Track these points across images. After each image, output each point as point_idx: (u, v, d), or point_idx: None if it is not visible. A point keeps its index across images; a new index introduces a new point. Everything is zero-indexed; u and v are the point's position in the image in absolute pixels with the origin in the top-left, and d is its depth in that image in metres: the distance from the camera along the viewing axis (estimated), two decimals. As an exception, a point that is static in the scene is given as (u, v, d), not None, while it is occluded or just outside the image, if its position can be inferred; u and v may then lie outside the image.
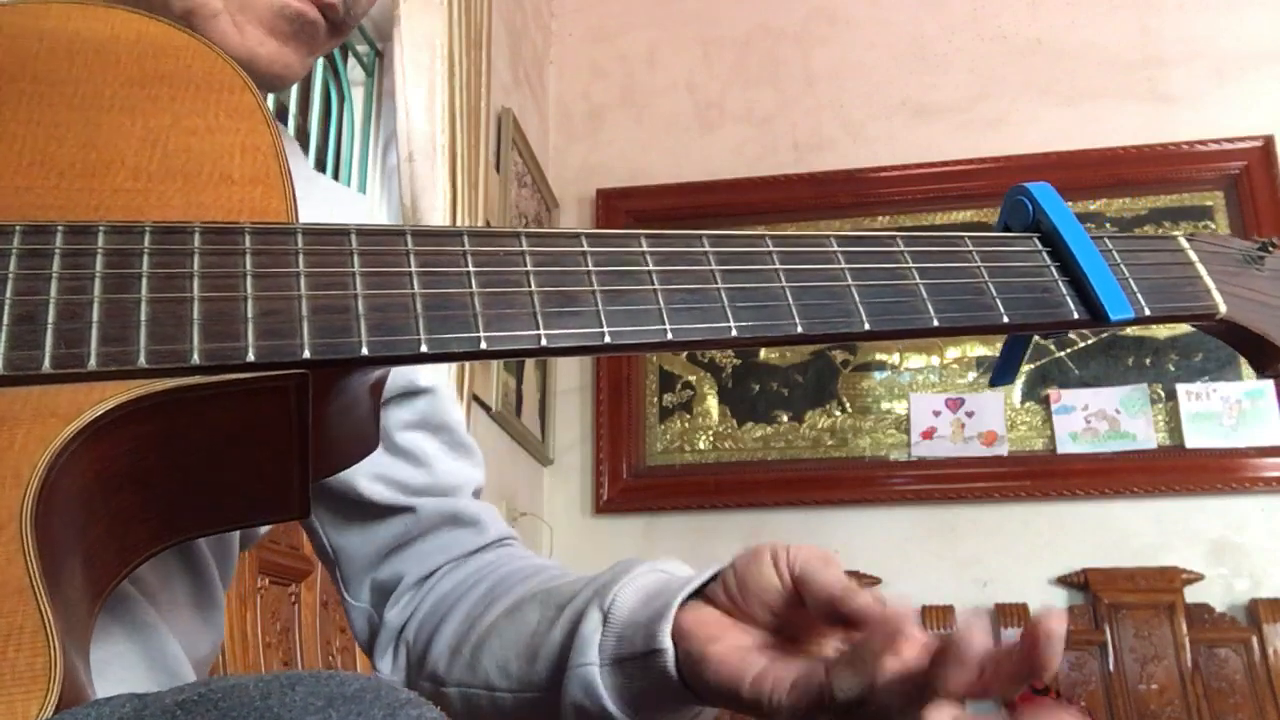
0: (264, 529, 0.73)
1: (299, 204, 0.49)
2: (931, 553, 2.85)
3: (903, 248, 0.53)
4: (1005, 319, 0.53)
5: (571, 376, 3.13)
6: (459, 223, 2.14)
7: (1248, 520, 2.75)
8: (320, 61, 2.20)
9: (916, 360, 3.03)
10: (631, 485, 3.01)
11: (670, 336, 0.47)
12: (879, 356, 3.05)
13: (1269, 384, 2.81)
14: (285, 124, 2.04)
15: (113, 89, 0.50)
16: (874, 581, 2.81)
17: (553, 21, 3.45)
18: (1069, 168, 3.01)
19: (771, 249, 0.51)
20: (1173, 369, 2.89)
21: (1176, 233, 0.62)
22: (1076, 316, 0.54)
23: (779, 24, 3.33)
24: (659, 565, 0.65)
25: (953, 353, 3.01)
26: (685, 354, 3.13)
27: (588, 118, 3.36)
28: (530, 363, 2.87)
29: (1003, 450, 2.89)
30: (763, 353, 3.09)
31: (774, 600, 0.54)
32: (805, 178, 3.16)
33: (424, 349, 0.44)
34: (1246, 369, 2.84)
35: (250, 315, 0.42)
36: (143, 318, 0.41)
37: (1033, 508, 2.84)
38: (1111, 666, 2.62)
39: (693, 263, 0.49)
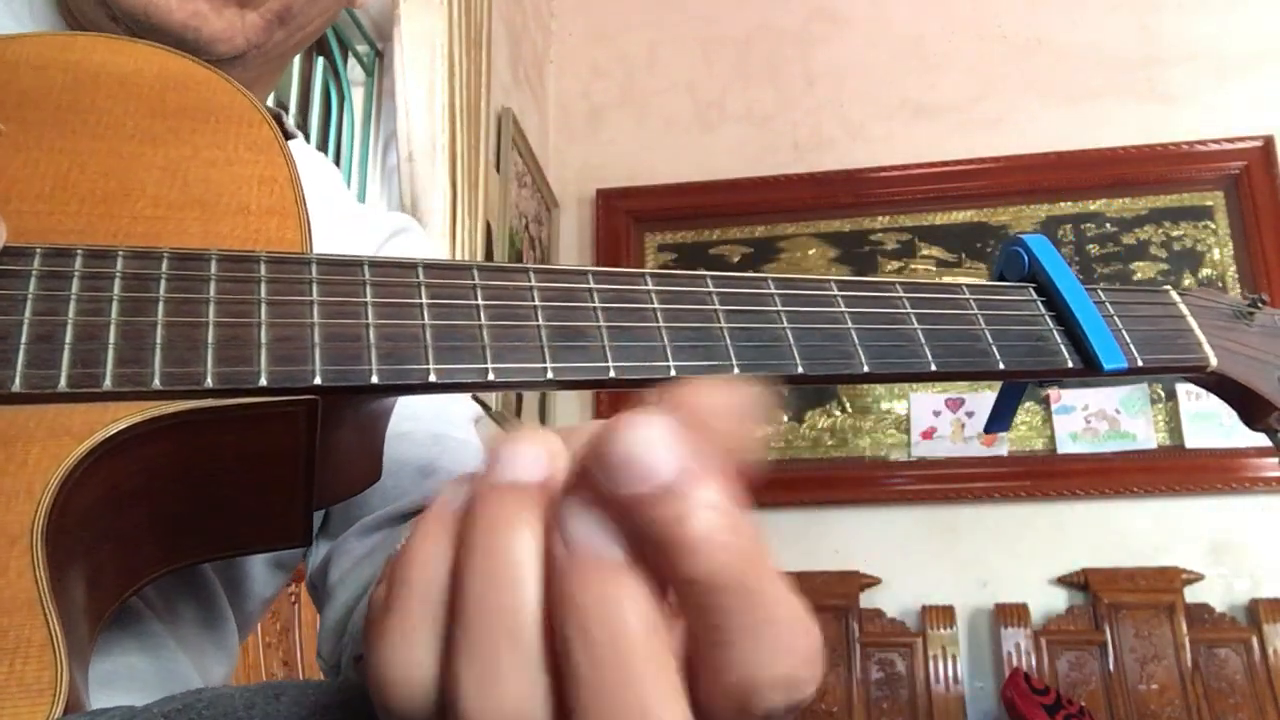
0: (282, 559, 0.69)
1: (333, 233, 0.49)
2: (931, 553, 2.85)
3: (901, 294, 0.55)
4: (1001, 366, 0.54)
5: (571, 376, 3.13)
6: (459, 222, 2.14)
7: (1248, 520, 2.75)
8: (320, 61, 2.20)
9: (916, 360, 3.03)
10: (631, 485, 3.01)
11: (674, 373, 0.48)
12: (879, 356, 3.05)
13: (1269, 384, 2.81)
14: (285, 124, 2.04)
15: (135, 120, 0.51)
16: (874, 581, 2.82)
17: (553, 21, 3.45)
18: (1069, 168, 3.01)
19: (774, 291, 0.52)
20: (1173, 369, 2.89)
21: (1166, 286, 0.64)
22: (1071, 365, 0.56)
23: (779, 24, 3.33)
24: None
25: (953, 353, 3.01)
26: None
27: (588, 118, 3.36)
28: (530, 363, 2.87)
29: (1003, 450, 2.89)
30: (763, 353, 3.10)
31: None
32: (805, 178, 3.16)
33: (433, 379, 0.45)
34: (1246, 369, 2.85)
35: (264, 341, 0.43)
36: (158, 340, 0.42)
37: (1033, 508, 2.85)
38: (1111, 666, 2.62)
39: (697, 302, 0.51)
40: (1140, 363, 0.57)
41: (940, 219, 3.13)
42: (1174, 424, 2.83)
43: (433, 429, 0.70)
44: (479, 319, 0.47)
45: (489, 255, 2.48)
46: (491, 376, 0.45)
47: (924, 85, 3.19)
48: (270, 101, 0.76)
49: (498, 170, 2.68)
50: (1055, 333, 0.56)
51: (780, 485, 2.95)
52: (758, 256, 3.16)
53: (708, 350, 0.49)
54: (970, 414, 2.93)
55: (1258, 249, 2.90)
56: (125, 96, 0.52)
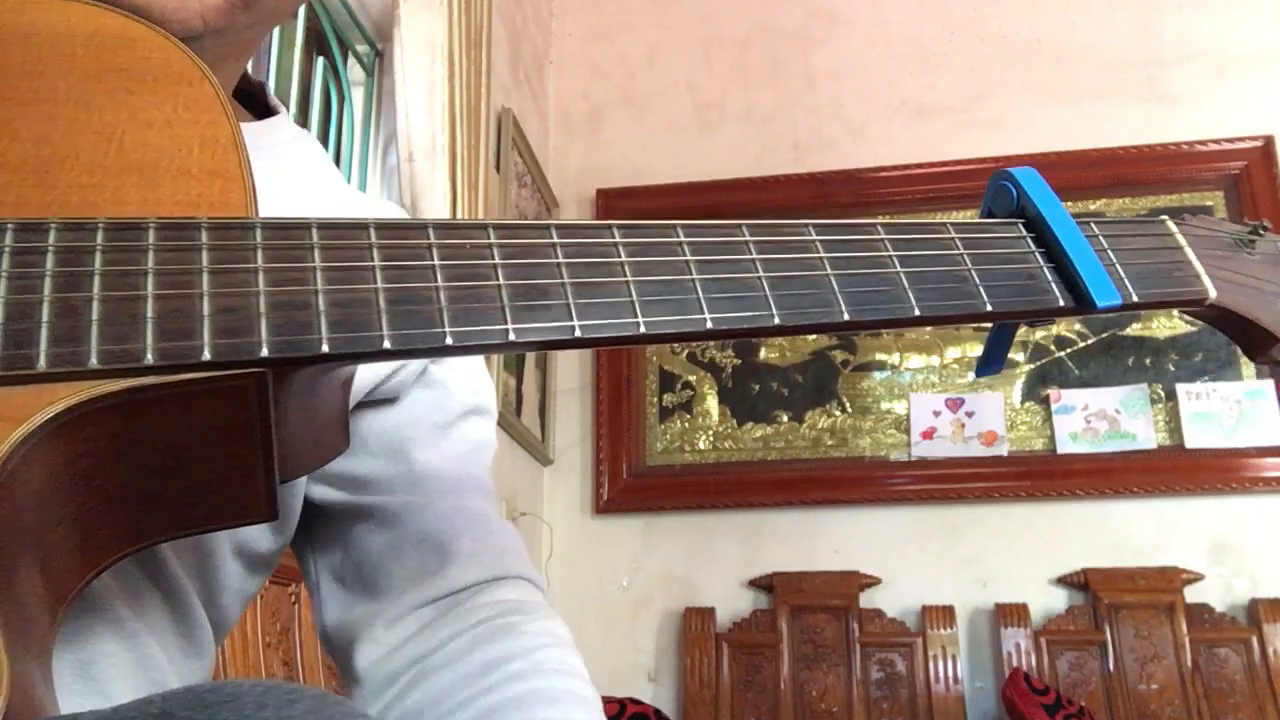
0: (262, 549, 0.66)
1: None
2: (931, 553, 2.85)
3: (883, 236, 0.53)
4: (989, 307, 0.52)
5: (571, 376, 3.13)
6: (459, 223, 2.14)
7: (1248, 520, 2.75)
8: (320, 61, 2.20)
9: (916, 360, 3.03)
10: (631, 485, 3.01)
11: (643, 330, 0.46)
12: (879, 356, 3.05)
13: (1269, 384, 2.81)
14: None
15: (68, 83, 0.48)
16: (874, 581, 2.81)
17: (553, 21, 3.45)
18: (1069, 168, 3.01)
19: (748, 239, 0.50)
20: (1173, 369, 2.89)
21: (1163, 216, 0.61)
22: (1062, 304, 0.53)
23: (779, 24, 3.33)
24: None
25: (953, 353, 3.01)
26: (685, 354, 3.13)
27: (588, 118, 3.36)
28: (530, 363, 2.88)
29: (1003, 450, 2.89)
30: (763, 353, 3.10)
31: None
32: (805, 178, 3.16)
33: (387, 345, 0.43)
34: (1247, 368, 2.85)
35: (206, 313, 0.41)
36: (94, 317, 0.40)
37: (1033, 508, 2.85)
38: (1111, 666, 2.62)
39: (667, 254, 0.48)
40: (1135, 298, 0.55)
41: (940, 219, 3.12)
42: (1174, 424, 2.83)
43: (456, 501, 0.69)
44: (436, 280, 0.45)
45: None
46: (450, 341, 0.44)
47: (924, 85, 3.19)
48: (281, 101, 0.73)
49: (498, 170, 2.68)
50: (1045, 270, 0.54)
51: (780, 485, 2.95)
52: (758, 256, 3.16)
53: (679, 304, 0.47)
54: (970, 414, 2.93)
55: (1258, 249, 2.90)
56: (57, 58, 0.49)
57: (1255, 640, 2.60)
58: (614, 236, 0.48)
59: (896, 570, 2.83)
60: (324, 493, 0.68)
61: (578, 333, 0.45)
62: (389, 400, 0.69)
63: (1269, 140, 2.96)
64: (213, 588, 0.62)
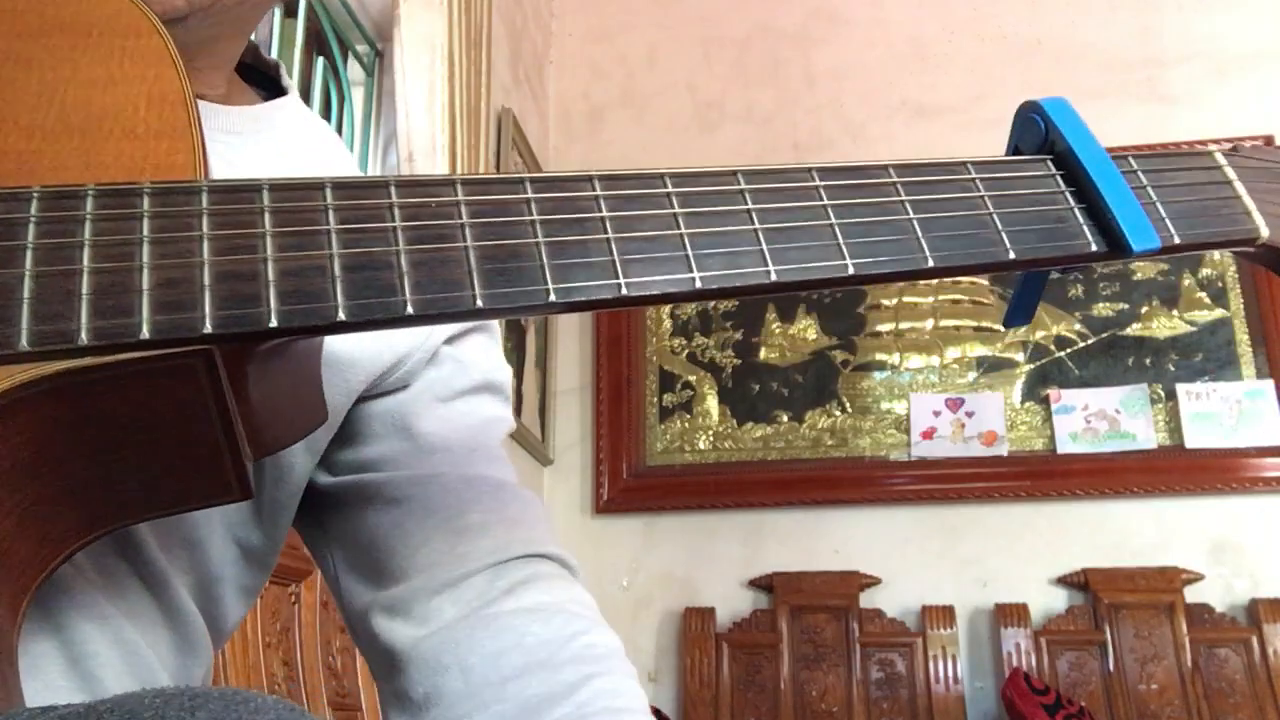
0: (256, 542, 0.64)
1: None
2: (931, 553, 2.85)
3: (895, 179, 0.48)
4: (1011, 255, 0.47)
5: (571, 376, 3.13)
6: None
7: (1248, 520, 2.75)
8: (320, 61, 2.20)
9: (916, 360, 3.03)
10: (631, 485, 3.01)
11: (625, 291, 0.42)
12: (879, 356, 3.05)
13: (1269, 384, 2.81)
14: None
15: (6, 41, 0.45)
16: (874, 581, 2.81)
17: (553, 21, 3.45)
18: (1069, 168, 3.01)
19: (744, 186, 0.46)
20: (1173, 369, 2.89)
21: (1212, 147, 0.55)
22: (1094, 248, 0.48)
23: (779, 24, 3.33)
24: None
25: (953, 352, 3.01)
26: (685, 354, 3.13)
27: (588, 118, 3.36)
28: (530, 362, 2.88)
29: (1003, 450, 2.89)
30: (763, 352, 3.09)
31: None
32: (805, 178, 3.16)
33: (342, 316, 0.40)
34: (1247, 368, 2.85)
35: (145, 286, 0.38)
36: (25, 294, 0.37)
37: (1033, 508, 2.85)
38: (1111, 666, 2.62)
39: (652, 207, 0.45)
40: (1177, 239, 0.49)
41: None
42: (1174, 424, 2.83)
43: (465, 470, 0.65)
44: (396, 244, 0.41)
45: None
46: (410, 310, 0.40)
47: (924, 85, 3.19)
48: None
49: (498, 170, 2.68)
50: (1076, 211, 0.49)
51: (780, 485, 2.95)
52: (758, 256, 3.16)
53: (666, 263, 0.43)
54: (970, 414, 2.93)
55: (1258, 249, 2.90)
56: None
57: (1255, 640, 2.60)
58: (594, 189, 0.44)
59: (896, 570, 2.83)
60: (329, 480, 0.65)
61: (552, 297, 0.42)
62: (399, 389, 0.66)
63: (1269, 140, 2.96)
64: (207, 581, 0.60)
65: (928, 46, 3.22)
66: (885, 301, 3.07)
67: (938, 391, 2.99)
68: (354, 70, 2.39)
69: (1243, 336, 2.89)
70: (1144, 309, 2.95)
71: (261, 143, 0.62)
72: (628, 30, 3.40)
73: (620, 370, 3.09)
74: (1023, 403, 2.94)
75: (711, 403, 3.08)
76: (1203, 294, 2.94)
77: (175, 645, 0.57)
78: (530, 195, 0.43)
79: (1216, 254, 2.97)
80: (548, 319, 3.08)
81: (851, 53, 3.26)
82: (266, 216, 0.41)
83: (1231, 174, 0.53)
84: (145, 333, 0.37)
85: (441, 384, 0.66)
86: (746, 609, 2.85)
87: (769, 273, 0.44)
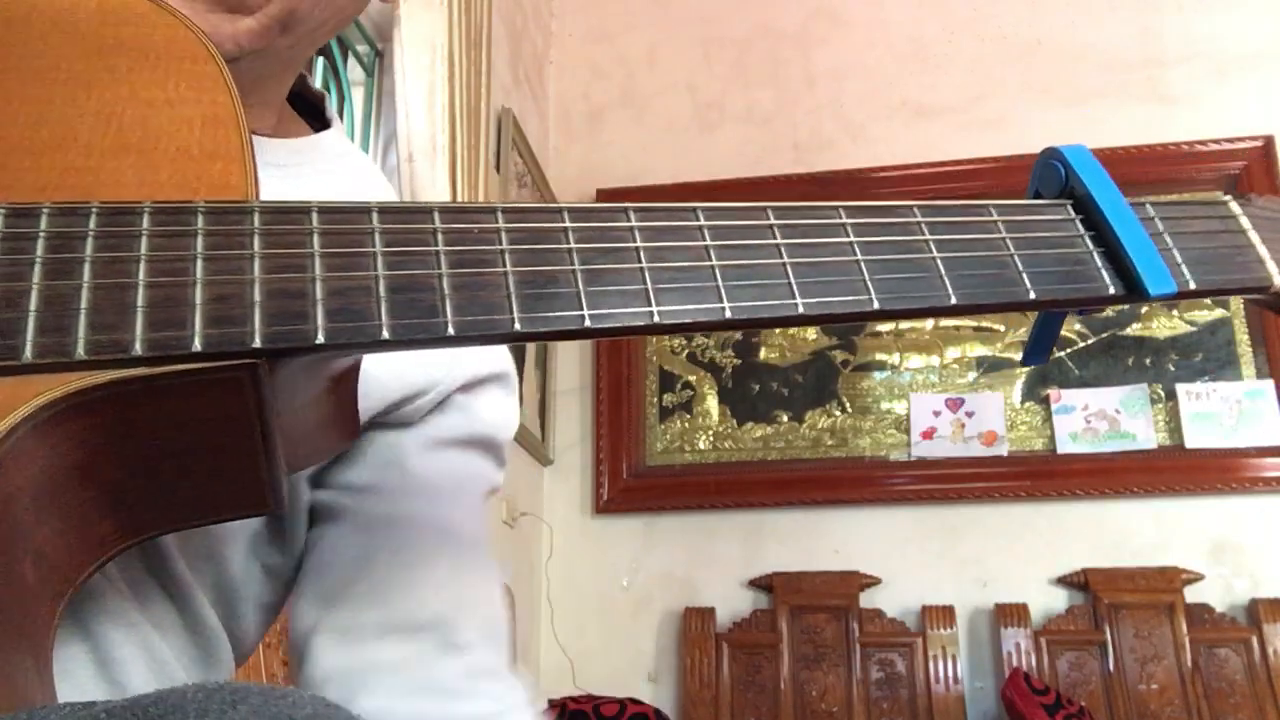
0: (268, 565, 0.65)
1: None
2: (931, 553, 2.85)
3: (920, 218, 0.49)
4: (1032, 295, 0.48)
5: (571, 376, 3.13)
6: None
7: (1248, 520, 2.75)
8: (320, 61, 2.20)
9: (916, 360, 3.03)
10: (631, 485, 3.01)
11: (657, 319, 0.44)
12: (879, 356, 3.05)
13: (1269, 384, 2.81)
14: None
15: (69, 63, 0.47)
16: (874, 581, 2.82)
17: (553, 21, 3.45)
18: (1069, 168, 3.01)
19: (773, 221, 0.47)
20: (1173, 369, 2.89)
21: (1227, 196, 0.56)
22: (1112, 291, 0.49)
23: (779, 24, 3.33)
24: None
25: (953, 353, 3.01)
26: (685, 354, 3.13)
27: (588, 118, 3.36)
28: (530, 362, 2.88)
29: (1003, 450, 2.89)
30: (763, 352, 3.10)
31: None
32: (805, 178, 3.16)
33: (385, 335, 0.41)
34: (1247, 368, 2.85)
35: (199, 301, 0.40)
36: (83, 305, 0.39)
37: (1033, 508, 2.85)
38: (1111, 666, 2.62)
39: (685, 239, 0.46)
40: (1192, 285, 0.50)
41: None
42: (1174, 424, 2.83)
43: (442, 520, 0.66)
44: (439, 268, 0.42)
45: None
46: (451, 331, 0.42)
47: (924, 86, 3.19)
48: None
49: (498, 170, 2.68)
50: (1095, 254, 0.50)
51: (780, 485, 2.95)
52: (758, 256, 3.16)
53: (697, 293, 0.44)
54: (970, 414, 2.93)
55: (1258, 249, 2.90)
56: (59, 37, 0.47)
57: (1255, 640, 2.60)
58: (629, 220, 0.46)
59: (896, 570, 2.83)
60: (319, 496, 0.66)
61: (588, 322, 0.43)
62: (403, 425, 0.66)
63: (1269, 140, 2.96)
64: (229, 596, 0.62)
65: (928, 46, 3.22)
66: (885, 301, 3.07)
67: (938, 391, 2.99)
68: (354, 70, 2.39)
69: (1243, 336, 2.89)
70: (1144, 309, 2.95)
71: (304, 175, 0.64)
72: (628, 30, 3.40)
73: (620, 370, 3.09)
74: (1023, 403, 2.94)
75: (711, 403, 3.08)
76: (1203, 294, 2.94)
77: (198, 657, 0.58)
78: (568, 224, 0.45)
79: (1216, 254, 2.97)
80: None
81: (851, 53, 3.26)
82: (315, 238, 0.42)
83: (1246, 223, 0.54)
84: (197, 345, 0.39)
85: (444, 429, 0.67)
86: (746, 609, 2.85)
87: (796, 305, 0.45)
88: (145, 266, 0.40)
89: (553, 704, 2.43)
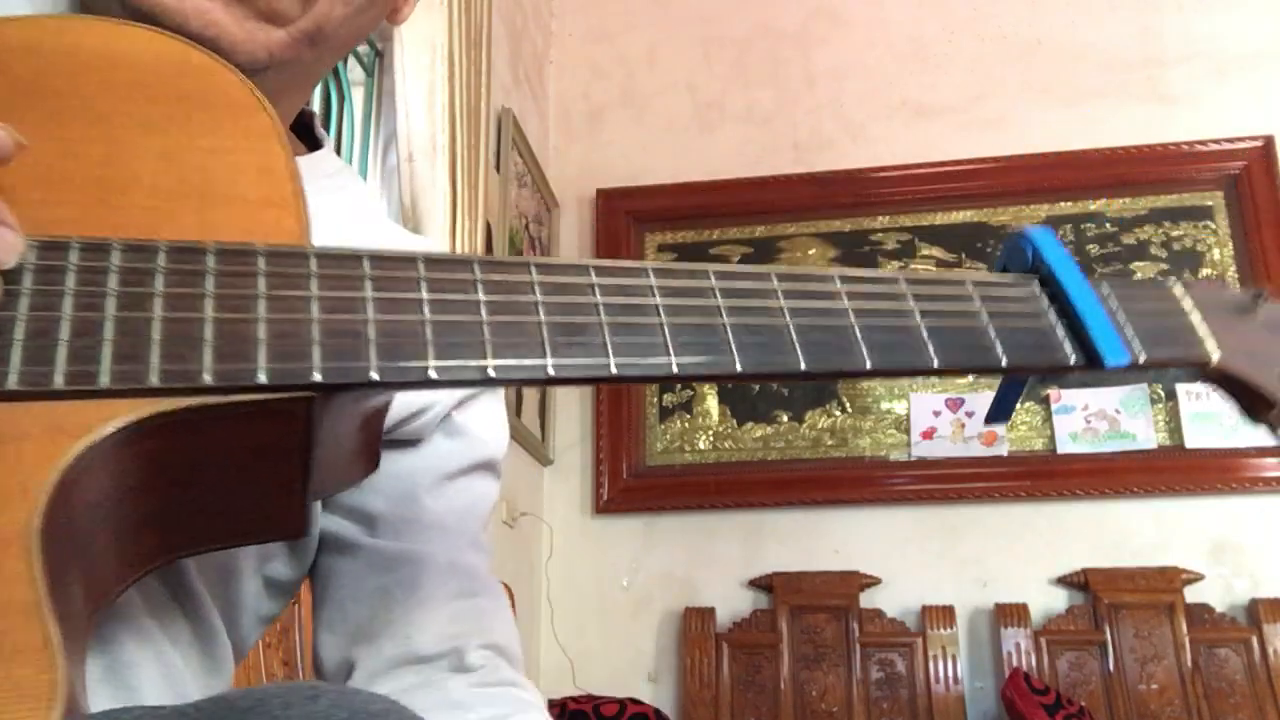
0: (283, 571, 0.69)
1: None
2: (931, 553, 2.85)
3: (905, 288, 0.54)
4: (1004, 362, 0.53)
5: (571, 376, 3.13)
6: (459, 222, 2.14)
7: (1248, 520, 2.75)
8: (320, 61, 2.20)
9: (916, 360, 3.03)
10: (631, 485, 3.01)
11: (675, 370, 0.48)
12: (879, 356, 3.05)
13: (1269, 384, 2.81)
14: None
15: (130, 106, 0.50)
16: (874, 581, 2.81)
17: (553, 21, 3.45)
18: (1069, 168, 3.01)
19: (777, 285, 0.52)
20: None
21: (1172, 278, 0.62)
22: (1073, 361, 0.55)
23: (779, 24, 3.33)
24: None
25: (953, 353, 3.01)
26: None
27: (588, 118, 3.36)
28: (530, 363, 2.87)
29: (1003, 450, 2.89)
30: (763, 353, 3.09)
31: None
32: (805, 178, 3.16)
33: (433, 375, 0.44)
34: (1246, 369, 2.84)
35: (262, 337, 0.43)
36: (155, 336, 0.42)
37: (1033, 508, 2.84)
38: (1111, 666, 2.62)
39: (699, 296, 0.50)
40: (1143, 359, 0.56)
41: (940, 219, 3.13)
42: (1174, 424, 2.83)
43: (453, 554, 0.70)
44: (480, 314, 0.46)
45: (489, 255, 2.48)
46: (492, 373, 0.45)
47: (924, 85, 3.19)
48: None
49: (498, 170, 2.68)
50: (1059, 327, 0.55)
51: (780, 485, 2.95)
52: (758, 256, 3.16)
53: (709, 346, 0.49)
54: (970, 414, 2.93)
55: (1258, 249, 2.90)
56: (120, 82, 0.50)
57: (1255, 640, 2.60)
58: (649, 278, 0.50)
59: (896, 570, 2.83)
60: (333, 524, 0.69)
61: (614, 370, 0.47)
62: (410, 442, 0.69)
63: (1269, 140, 2.96)
64: (234, 609, 0.64)
65: (928, 46, 3.22)
66: (885, 301, 3.07)
67: (938, 391, 2.99)
68: (354, 70, 2.39)
69: (1243, 336, 2.88)
70: (1144, 309, 2.95)
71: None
72: (628, 30, 3.40)
73: (620, 370, 3.09)
74: (1023, 403, 2.94)
75: (711, 402, 3.08)
76: (1203, 294, 2.94)
77: (205, 665, 0.60)
78: (595, 280, 0.49)
79: (1217, 253, 2.97)
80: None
81: (851, 53, 3.26)
82: (368, 283, 0.46)
83: (1189, 305, 0.60)
84: (262, 377, 0.42)
85: (450, 459, 0.71)
86: (746, 609, 2.85)
87: (799, 362, 0.50)
88: (212, 303, 0.43)
89: (552, 704, 2.43)
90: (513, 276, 0.48)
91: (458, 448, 0.71)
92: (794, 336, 0.50)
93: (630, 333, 0.48)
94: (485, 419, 0.74)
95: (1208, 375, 0.60)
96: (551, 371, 0.46)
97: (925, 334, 0.53)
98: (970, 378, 2.97)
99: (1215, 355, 0.58)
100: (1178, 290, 0.60)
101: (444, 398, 0.69)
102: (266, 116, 0.51)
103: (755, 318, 0.50)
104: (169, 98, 0.50)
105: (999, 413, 0.63)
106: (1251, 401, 0.61)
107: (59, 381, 0.40)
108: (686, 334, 0.49)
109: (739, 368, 0.48)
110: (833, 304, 0.52)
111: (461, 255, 0.50)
